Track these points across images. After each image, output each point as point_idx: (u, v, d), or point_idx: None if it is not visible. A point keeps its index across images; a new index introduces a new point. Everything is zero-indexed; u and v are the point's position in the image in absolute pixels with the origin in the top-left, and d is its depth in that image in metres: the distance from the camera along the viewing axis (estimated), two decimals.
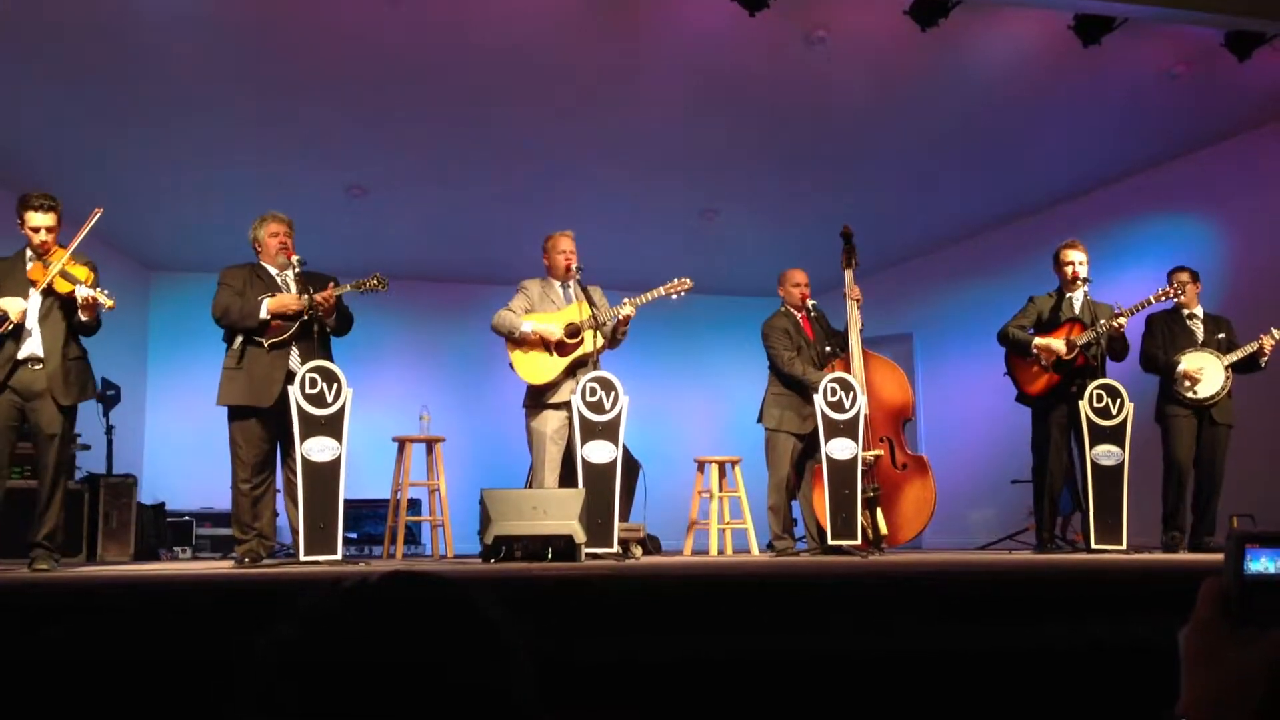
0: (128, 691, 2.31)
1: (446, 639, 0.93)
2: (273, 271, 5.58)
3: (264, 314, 5.36)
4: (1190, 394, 6.44)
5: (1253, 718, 0.90)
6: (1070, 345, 6.34)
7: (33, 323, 5.17)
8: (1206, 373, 6.44)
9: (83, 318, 5.19)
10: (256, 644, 0.92)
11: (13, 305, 5.13)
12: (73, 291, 5.15)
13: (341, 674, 0.89)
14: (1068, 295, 6.55)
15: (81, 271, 5.23)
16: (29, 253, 5.24)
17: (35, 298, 5.17)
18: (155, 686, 2.31)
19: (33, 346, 5.17)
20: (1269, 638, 0.93)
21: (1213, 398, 6.43)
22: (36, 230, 5.16)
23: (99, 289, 5.16)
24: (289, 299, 5.42)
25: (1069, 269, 6.53)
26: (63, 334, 5.23)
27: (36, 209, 5.17)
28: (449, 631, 0.94)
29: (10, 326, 5.10)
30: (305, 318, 5.40)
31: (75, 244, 5.26)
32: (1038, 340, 6.43)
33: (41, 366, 5.16)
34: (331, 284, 5.48)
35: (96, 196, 7.92)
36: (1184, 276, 6.62)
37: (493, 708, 0.91)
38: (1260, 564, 0.96)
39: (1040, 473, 6.47)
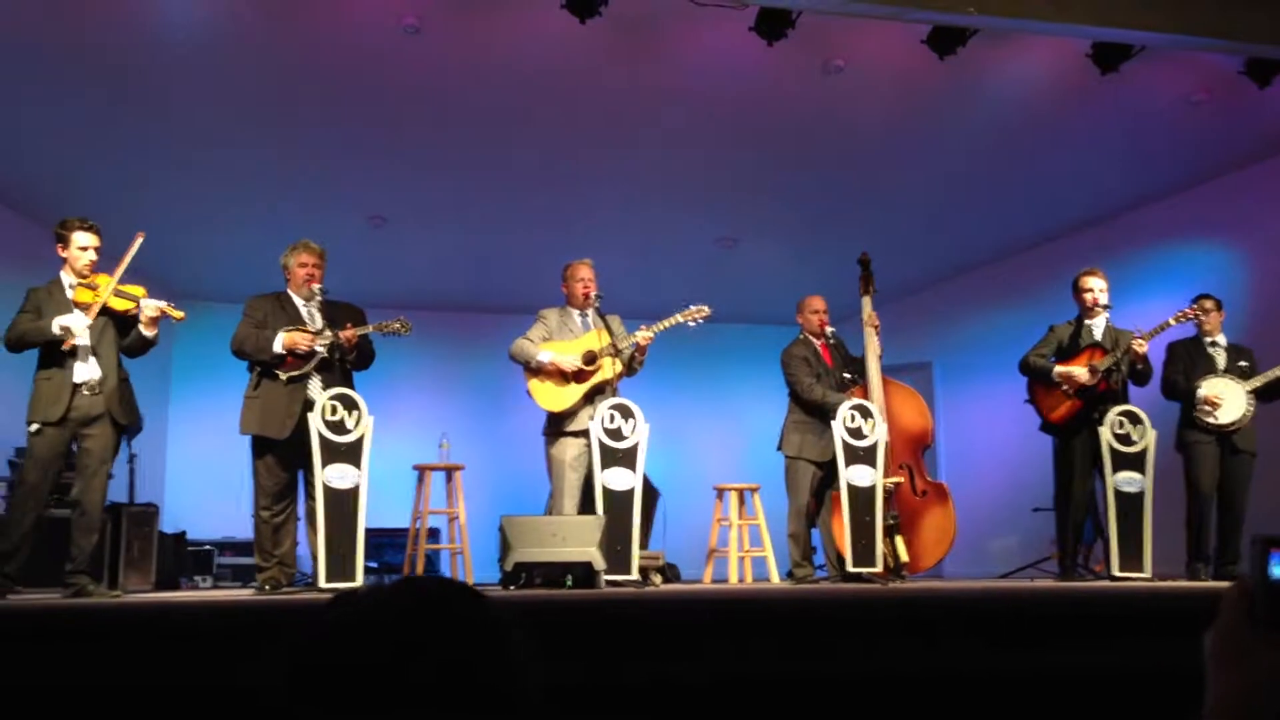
0: (148, 716, 2.32)
1: (438, 637, 0.94)
2: (298, 302, 5.61)
3: (277, 348, 5.38)
4: (1211, 419, 6.37)
5: None
6: (1093, 371, 6.29)
7: (86, 345, 5.18)
8: (1228, 399, 6.36)
9: (146, 333, 5.26)
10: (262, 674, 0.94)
11: (75, 321, 5.15)
12: (132, 310, 5.21)
13: (348, 679, 0.91)
14: (1087, 323, 6.50)
15: (137, 289, 5.31)
16: (67, 279, 5.28)
17: (87, 321, 5.18)
18: (175, 712, 2.32)
19: (89, 371, 5.18)
20: None
21: (1234, 424, 6.35)
22: (85, 250, 5.25)
23: (166, 302, 5.24)
24: (301, 337, 5.41)
25: (1088, 296, 6.49)
26: (115, 356, 5.29)
27: (85, 229, 5.27)
28: (439, 630, 0.94)
29: (72, 343, 5.13)
30: (323, 355, 5.42)
31: (125, 264, 5.31)
32: (1059, 368, 6.38)
33: (100, 391, 5.20)
34: (349, 324, 5.49)
35: (119, 226, 8.06)
36: (1208, 304, 6.57)
37: (495, 701, 0.92)
38: None
39: (1063, 500, 6.40)
